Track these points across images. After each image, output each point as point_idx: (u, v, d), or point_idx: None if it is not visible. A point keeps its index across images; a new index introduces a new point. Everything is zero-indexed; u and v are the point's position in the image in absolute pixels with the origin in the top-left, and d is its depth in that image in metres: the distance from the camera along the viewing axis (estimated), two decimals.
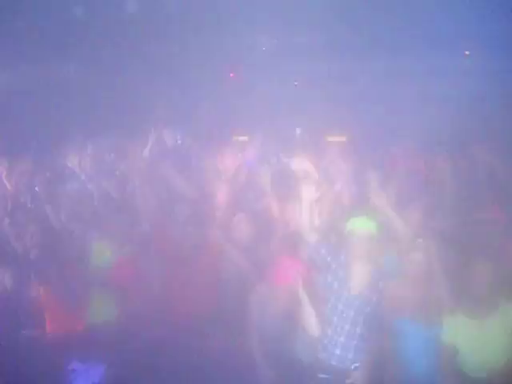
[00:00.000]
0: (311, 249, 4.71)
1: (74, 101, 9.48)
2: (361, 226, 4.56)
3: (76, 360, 4.85)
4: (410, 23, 8.11)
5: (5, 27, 8.27)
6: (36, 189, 6.77)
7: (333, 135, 8.38)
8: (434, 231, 4.83)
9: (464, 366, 4.45)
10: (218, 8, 7.89)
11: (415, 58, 9.03)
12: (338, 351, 4.53)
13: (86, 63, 9.84)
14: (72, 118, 9.04)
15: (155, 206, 5.81)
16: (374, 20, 8.20)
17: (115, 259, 5.46)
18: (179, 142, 8.21)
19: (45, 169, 7.19)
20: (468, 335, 4.42)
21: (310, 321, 4.66)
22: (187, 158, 7.14)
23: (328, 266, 4.63)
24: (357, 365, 4.52)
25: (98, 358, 4.88)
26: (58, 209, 6.13)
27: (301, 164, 5.51)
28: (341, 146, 7.37)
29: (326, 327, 4.59)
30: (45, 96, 9.42)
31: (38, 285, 5.35)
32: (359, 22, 8.18)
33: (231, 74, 10.00)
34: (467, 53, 9.32)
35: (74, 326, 5.24)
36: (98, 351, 4.91)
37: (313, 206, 4.76)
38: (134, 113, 8.87)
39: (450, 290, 4.52)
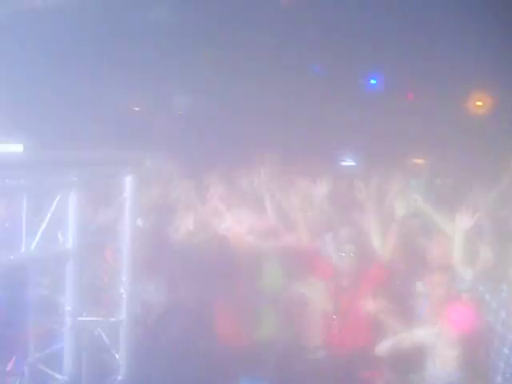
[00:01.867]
0: (467, 286, 4.41)
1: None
2: None
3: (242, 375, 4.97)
4: None
5: None
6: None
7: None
8: None
9: None
10: None
11: None
12: None
13: None
14: None
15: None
16: None
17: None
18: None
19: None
20: None
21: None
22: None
23: (487, 306, 4.28)
24: None
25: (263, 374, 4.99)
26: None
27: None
28: None
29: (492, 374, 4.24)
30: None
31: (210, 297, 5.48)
32: None
33: (410, 96, 9.83)
34: None
35: (241, 340, 5.36)
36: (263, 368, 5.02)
37: (468, 238, 4.47)
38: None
39: None
